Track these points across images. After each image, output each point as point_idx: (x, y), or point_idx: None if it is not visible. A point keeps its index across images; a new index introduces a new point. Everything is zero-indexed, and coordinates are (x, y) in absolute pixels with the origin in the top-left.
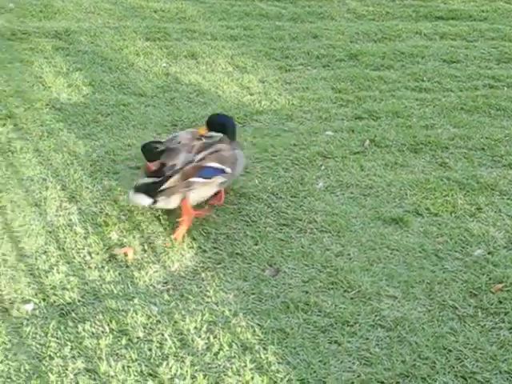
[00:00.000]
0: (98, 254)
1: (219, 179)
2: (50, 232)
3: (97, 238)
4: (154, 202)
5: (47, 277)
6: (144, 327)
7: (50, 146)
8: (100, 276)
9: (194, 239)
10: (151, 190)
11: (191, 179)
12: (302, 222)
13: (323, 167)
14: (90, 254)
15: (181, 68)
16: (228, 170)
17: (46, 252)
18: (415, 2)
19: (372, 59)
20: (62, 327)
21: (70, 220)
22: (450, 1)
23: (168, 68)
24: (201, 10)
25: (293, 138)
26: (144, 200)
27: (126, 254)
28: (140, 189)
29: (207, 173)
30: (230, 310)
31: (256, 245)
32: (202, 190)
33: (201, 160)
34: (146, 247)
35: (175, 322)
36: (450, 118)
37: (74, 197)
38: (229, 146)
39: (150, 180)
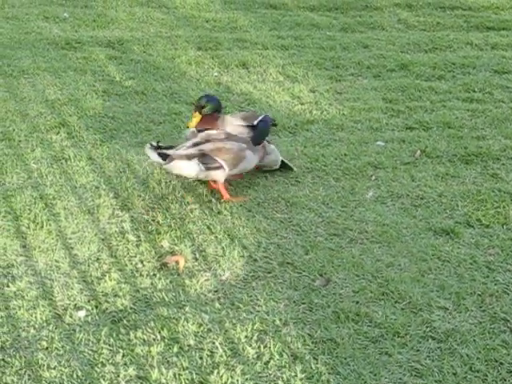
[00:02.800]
0: (149, 261)
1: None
2: (103, 239)
3: (148, 246)
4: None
5: (99, 284)
6: (195, 335)
7: (103, 154)
8: (151, 284)
9: (245, 248)
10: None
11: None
12: (353, 232)
13: (374, 177)
14: (141, 261)
15: (232, 77)
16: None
17: (98, 259)
18: (466, 13)
19: (423, 69)
20: (114, 334)
21: (123, 228)
22: (502, 11)
23: (219, 77)
24: (252, 19)
25: (343, 148)
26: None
27: (177, 262)
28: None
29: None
30: (280, 320)
31: (306, 254)
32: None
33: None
34: (197, 255)
35: (226, 330)
36: (501, 128)
37: (126, 205)
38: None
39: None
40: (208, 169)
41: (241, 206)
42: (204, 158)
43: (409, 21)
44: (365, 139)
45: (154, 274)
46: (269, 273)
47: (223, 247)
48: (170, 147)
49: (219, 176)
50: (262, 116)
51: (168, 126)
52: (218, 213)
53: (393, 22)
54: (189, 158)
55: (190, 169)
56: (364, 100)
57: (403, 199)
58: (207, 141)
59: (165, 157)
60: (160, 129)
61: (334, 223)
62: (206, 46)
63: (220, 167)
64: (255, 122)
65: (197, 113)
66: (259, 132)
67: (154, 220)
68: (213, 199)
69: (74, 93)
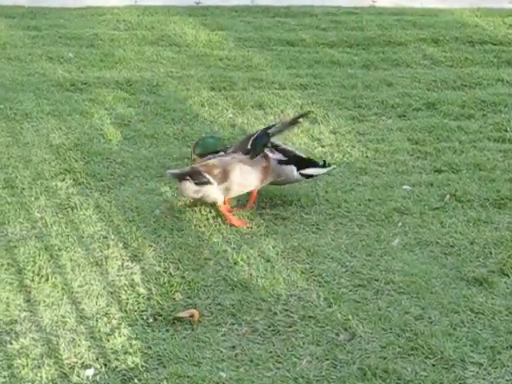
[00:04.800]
0: (161, 316)
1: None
2: (112, 293)
3: (161, 299)
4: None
5: (108, 340)
6: None
7: (111, 202)
8: (164, 340)
9: (264, 300)
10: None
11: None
12: (379, 283)
13: (400, 224)
14: (153, 316)
15: (248, 119)
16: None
17: (107, 314)
18: (496, 47)
19: (451, 108)
20: None
21: (133, 280)
22: None
23: (234, 119)
24: (268, 57)
25: (367, 192)
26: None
27: (191, 316)
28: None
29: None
30: (302, 378)
31: (330, 307)
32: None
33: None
34: (212, 309)
35: None
36: None
37: (136, 255)
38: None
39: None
40: (197, 184)
41: (259, 255)
42: (193, 174)
43: (435, 56)
44: (390, 183)
45: (167, 330)
46: (289, 327)
47: (240, 300)
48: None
49: (213, 194)
50: (258, 133)
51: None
52: (235, 263)
53: (418, 58)
54: (182, 177)
55: (184, 187)
56: (389, 141)
57: (432, 247)
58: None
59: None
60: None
61: (359, 273)
62: (219, 86)
63: (208, 182)
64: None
65: (193, 156)
66: (255, 144)
67: (166, 271)
68: (228, 249)
69: (80, 137)
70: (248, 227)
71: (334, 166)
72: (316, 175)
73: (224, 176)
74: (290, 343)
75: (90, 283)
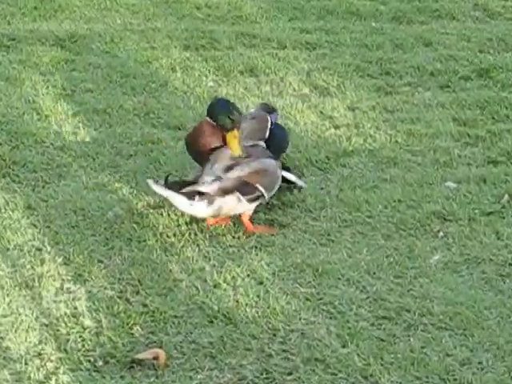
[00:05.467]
0: (115, 357)
1: None
2: (47, 325)
3: (113, 335)
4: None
5: None
6: None
7: (47, 201)
8: None
9: (254, 337)
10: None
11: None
12: (411, 315)
13: (441, 234)
14: (103, 357)
15: (235, 89)
16: None
17: (40, 354)
18: None
19: (511, 77)
20: None
21: (76, 308)
22: None
23: (217, 89)
24: (263, 5)
25: (397, 191)
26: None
27: (155, 358)
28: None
29: None
30: None
31: (344, 347)
32: None
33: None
34: (184, 348)
35: None
36: None
37: (80, 274)
38: None
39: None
40: (250, 200)
41: (248, 275)
42: (244, 187)
43: (490, 6)
44: (428, 178)
45: (122, 376)
46: (289, 374)
47: (222, 336)
48: (184, 182)
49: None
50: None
51: (142, 160)
52: (215, 286)
53: (467, 8)
54: (227, 191)
55: (232, 205)
56: (426, 121)
57: (484, 266)
58: (234, 163)
59: (191, 195)
60: (130, 164)
61: (384, 301)
62: (196, 44)
63: (261, 196)
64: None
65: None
66: (278, 141)
67: (121, 297)
68: (206, 266)
69: (6, 112)
70: (275, 233)
71: (305, 185)
72: (295, 184)
73: (272, 187)
74: None
75: (16, 312)
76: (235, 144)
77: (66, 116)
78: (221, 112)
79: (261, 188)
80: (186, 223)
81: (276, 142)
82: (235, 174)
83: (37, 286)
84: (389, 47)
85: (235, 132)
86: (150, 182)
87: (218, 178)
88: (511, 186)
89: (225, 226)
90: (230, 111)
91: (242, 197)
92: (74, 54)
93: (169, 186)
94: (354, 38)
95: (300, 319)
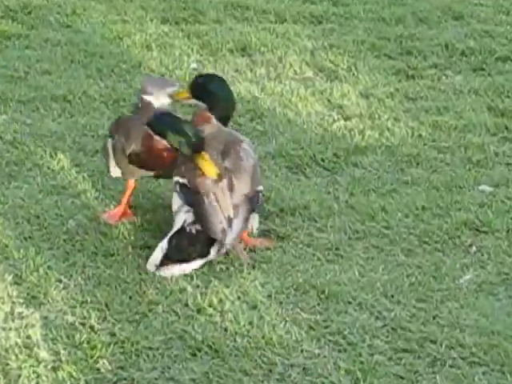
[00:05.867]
0: None
1: None
2: None
3: (75, 371)
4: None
5: None
6: None
7: None
8: None
9: (247, 374)
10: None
11: None
12: (437, 347)
13: (474, 248)
14: None
15: (223, 71)
16: None
17: None
18: None
19: None
20: None
21: (29, 337)
22: None
23: (201, 71)
24: None
25: (420, 196)
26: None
27: None
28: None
29: None
30: None
31: None
32: None
33: None
34: None
35: None
36: None
37: (35, 296)
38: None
39: None
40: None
41: (239, 298)
42: (252, 202)
43: None
44: (458, 181)
45: None
46: None
47: (207, 373)
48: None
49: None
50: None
51: None
52: (199, 311)
53: None
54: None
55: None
56: (456, 111)
57: None
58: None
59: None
60: (95, 162)
61: (404, 330)
62: (176, 17)
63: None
64: None
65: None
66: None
67: (84, 324)
68: (188, 287)
69: None
70: (273, 247)
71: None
72: None
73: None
74: None
75: None
76: (208, 165)
77: (17, 103)
78: (170, 133)
79: (260, 187)
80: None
81: (220, 104)
82: (239, 197)
83: None
84: (411, 21)
85: (203, 154)
86: (151, 266)
87: (230, 222)
88: None
89: None
90: (182, 132)
91: (255, 214)
92: (28, 27)
93: (172, 257)
94: (369, 9)
95: (302, 351)
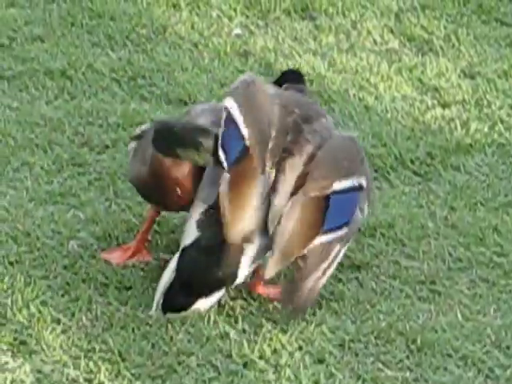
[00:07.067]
0: None
1: None
2: None
3: None
4: None
5: None
6: None
7: None
8: None
9: None
10: None
11: None
12: None
13: None
14: None
15: (277, 40)
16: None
17: None
18: None
19: None
20: None
21: None
22: None
23: (246, 40)
24: None
25: None
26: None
27: None
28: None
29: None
30: None
31: None
32: None
33: None
34: None
35: None
36: None
37: (26, 343)
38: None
39: None
40: None
41: (300, 349)
42: None
43: None
44: None
45: None
46: None
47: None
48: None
49: None
50: None
51: (124, 156)
52: (245, 365)
53: None
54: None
55: None
56: None
57: None
58: None
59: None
60: (105, 160)
61: None
62: None
63: None
64: None
65: None
66: None
67: (90, 380)
68: (231, 332)
69: None
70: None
71: None
72: None
73: None
74: None
75: None
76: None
77: (3, 80)
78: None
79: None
80: None
81: None
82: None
83: None
84: None
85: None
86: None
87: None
88: None
89: None
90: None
91: None
92: None
93: (196, 291)
94: None
95: None
